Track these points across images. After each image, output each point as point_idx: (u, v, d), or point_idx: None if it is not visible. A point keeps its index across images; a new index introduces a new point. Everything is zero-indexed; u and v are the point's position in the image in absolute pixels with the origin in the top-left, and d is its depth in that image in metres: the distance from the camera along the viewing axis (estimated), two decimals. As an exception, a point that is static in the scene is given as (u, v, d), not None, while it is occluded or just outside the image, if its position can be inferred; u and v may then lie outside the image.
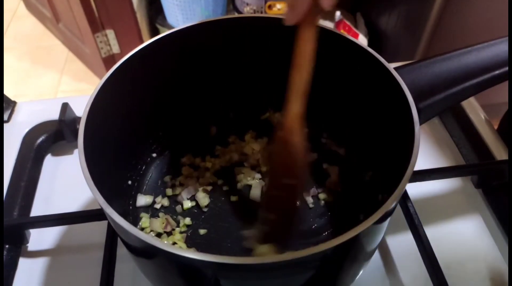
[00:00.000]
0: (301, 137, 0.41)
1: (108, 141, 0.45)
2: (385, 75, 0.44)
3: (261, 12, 1.51)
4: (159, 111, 0.55)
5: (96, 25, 1.64)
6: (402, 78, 0.42)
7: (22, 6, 2.32)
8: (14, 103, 0.69)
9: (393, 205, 0.34)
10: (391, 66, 0.44)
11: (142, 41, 1.68)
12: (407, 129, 0.39)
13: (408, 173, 0.35)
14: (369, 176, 0.54)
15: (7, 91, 0.70)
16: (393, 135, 0.45)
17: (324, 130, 0.60)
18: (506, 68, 0.43)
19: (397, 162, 0.40)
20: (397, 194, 0.34)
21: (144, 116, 0.52)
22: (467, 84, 0.43)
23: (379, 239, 0.44)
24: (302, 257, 0.30)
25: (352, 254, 0.37)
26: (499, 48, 0.44)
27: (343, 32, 0.49)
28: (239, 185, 0.56)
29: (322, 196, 0.54)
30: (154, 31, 1.80)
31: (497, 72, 0.43)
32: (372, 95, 0.49)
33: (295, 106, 0.41)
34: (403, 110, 0.41)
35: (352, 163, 0.57)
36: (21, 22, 2.29)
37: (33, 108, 0.68)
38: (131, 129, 0.50)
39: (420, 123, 0.39)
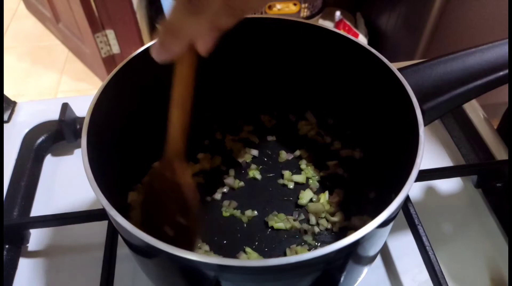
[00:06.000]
0: (185, 175, 0.40)
1: (110, 141, 0.45)
2: (388, 76, 0.44)
3: (261, 12, 1.51)
4: (161, 111, 0.55)
5: (96, 25, 1.64)
6: (406, 79, 0.42)
7: (22, 6, 2.32)
8: (14, 103, 0.69)
9: (398, 207, 0.34)
10: (394, 67, 0.44)
11: (142, 41, 1.69)
12: (411, 130, 0.39)
13: (413, 175, 0.35)
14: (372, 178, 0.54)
15: (7, 91, 0.70)
16: (396, 136, 0.45)
17: (328, 131, 0.60)
18: (511, 70, 0.43)
19: (400, 163, 0.40)
20: (402, 196, 0.34)
21: (147, 116, 0.52)
22: (471, 85, 0.42)
23: (381, 243, 0.44)
24: (305, 260, 0.30)
25: (354, 258, 0.37)
26: (503, 49, 0.44)
27: (343, 32, 0.49)
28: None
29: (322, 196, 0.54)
30: (154, 31, 1.80)
31: (501, 73, 0.42)
32: (376, 97, 0.49)
33: (175, 143, 0.40)
34: (407, 112, 0.41)
35: (354, 164, 0.57)
36: (21, 22, 2.29)
37: (33, 108, 0.68)
38: (134, 130, 0.50)
39: (424, 125, 0.39)
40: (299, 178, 0.56)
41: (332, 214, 0.52)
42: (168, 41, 0.33)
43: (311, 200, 0.54)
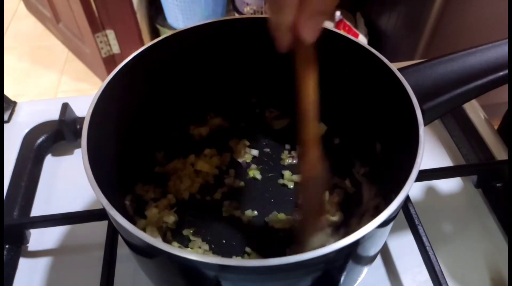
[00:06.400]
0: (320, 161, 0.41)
1: (110, 141, 0.45)
2: (388, 76, 0.44)
3: (261, 12, 1.51)
4: (162, 111, 0.55)
5: (96, 25, 1.64)
6: (406, 79, 0.42)
7: (22, 6, 2.32)
8: (14, 103, 0.69)
9: (398, 207, 0.34)
10: (394, 67, 0.44)
11: (142, 41, 1.69)
12: (411, 130, 0.39)
13: (413, 175, 0.35)
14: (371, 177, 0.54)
15: (7, 91, 0.70)
16: (396, 136, 0.45)
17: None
18: (511, 69, 0.43)
19: (400, 163, 0.40)
20: (402, 196, 0.34)
21: (147, 116, 0.52)
22: (471, 85, 0.42)
23: (381, 243, 0.44)
24: (305, 260, 0.30)
25: (354, 258, 0.37)
26: (504, 49, 0.44)
27: (343, 32, 0.49)
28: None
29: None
30: (154, 31, 1.80)
31: (501, 73, 0.42)
32: (376, 97, 0.49)
33: (309, 130, 0.41)
34: (407, 112, 0.41)
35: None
36: (21, 22, 2.29)
37: (33, 108, 0.68)
38: (134, 130, 0.50)
39: (424, 125, 0.39)
40: (298, 177, 0.56)
41: (332, 214, 0.52)
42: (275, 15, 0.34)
43: None
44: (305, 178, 0.41)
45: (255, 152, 0.59)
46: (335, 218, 0.51)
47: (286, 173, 0.56)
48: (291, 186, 0.56)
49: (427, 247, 0.47)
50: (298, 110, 0.39)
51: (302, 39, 0.33)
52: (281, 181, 0.56)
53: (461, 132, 0.64)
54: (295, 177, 0.56)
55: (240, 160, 0.58)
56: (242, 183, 0.56)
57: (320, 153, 0.40)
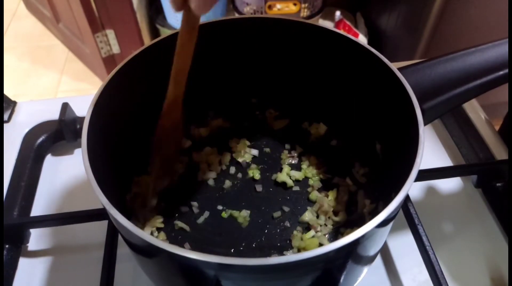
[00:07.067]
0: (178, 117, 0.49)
1: (110, 141, 0.45)
2: (388, 76, 0.44)
3: (261, 12, 1.51)
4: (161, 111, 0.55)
5: (96, 25, 1.64)
6: (406, 79, 0.42)
7: (22, 6, 2.32)
8: (14, 103, 0.69)
9: (397, 206, 0.34)
10: (394, 66, 0.44)
11: (142, 41, 1.69)
12: (411, 130, 0.39)
13: (413, 175, 0.35)
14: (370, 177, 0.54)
15: (7, 91, 0.70)
16: (396, 136, 0.45)
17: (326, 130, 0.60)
18: (510, 69, 0.43)
19: (400, 163, 0.40)
20: (401, 195, 0.34)
21: (147, 116, 0.52)
22: (471, 85, 0.43)
23: (381, 242, 0.44)
24: (305, 259, 0.30)
25: (354, 257, 0.37)
26: (503, 49, 0.44)
27: (343, 32, 0.49)
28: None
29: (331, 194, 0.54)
30: (154, 31, 1.80)
31: (501, 73, 0.43)
32: (376, 96, 0.49)
33: (172, 91, 0.46)
34: (407, 111, 0.41)
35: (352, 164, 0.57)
36: (21, 22, 2.29)
37: (33, 108, 0.68)
38: (134, 129, 0.50)
39: (424, 124, 0.39)
40: (298, 174, 0.56)
41: (336, 214, 0.52)
42: None
43: (315, 201, 0.54)
44: (165, 130, 0.49)
45: (255, 152, 0.59)
46: (338, 218, 0.51)
47: (286, 168, 0.56)
48: (291, 185, 0.56)
49: (427, 247, 0.47)
50: (171, 72, 0.44)
51: (190, 8, 0.36)
52: (280, 180, 0.56)
53: (461, 132, 0.64)
54: (293, 173, 0.56)
55: (240, 160, 0.58)
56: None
57: (181, 113, 0.48)
